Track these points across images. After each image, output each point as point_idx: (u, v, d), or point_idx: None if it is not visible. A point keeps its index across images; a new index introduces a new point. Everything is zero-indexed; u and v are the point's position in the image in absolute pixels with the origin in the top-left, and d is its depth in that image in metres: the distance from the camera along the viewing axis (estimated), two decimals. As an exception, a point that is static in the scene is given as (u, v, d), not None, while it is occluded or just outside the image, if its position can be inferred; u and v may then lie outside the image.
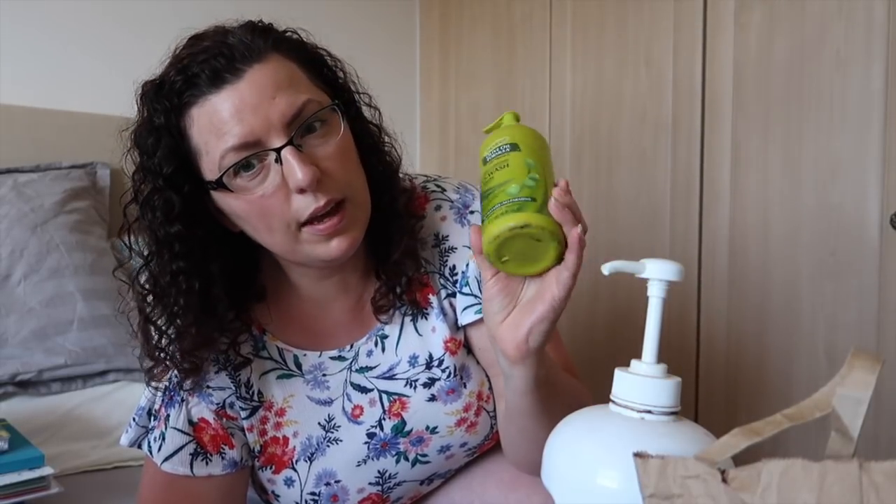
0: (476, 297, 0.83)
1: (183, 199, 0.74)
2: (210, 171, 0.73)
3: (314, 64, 0.78)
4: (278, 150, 0.70)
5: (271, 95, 0.71)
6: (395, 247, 0.82)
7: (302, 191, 0.71)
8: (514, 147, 0.66)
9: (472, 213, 0.86)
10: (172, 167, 0.73)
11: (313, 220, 0.72)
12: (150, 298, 0.77)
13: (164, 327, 0.77)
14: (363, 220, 0.77)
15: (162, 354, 0.78)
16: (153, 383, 0.82)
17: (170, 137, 0.73)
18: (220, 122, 0.70)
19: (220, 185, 0.72)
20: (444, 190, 0.89)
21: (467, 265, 0.84)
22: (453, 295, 0.86)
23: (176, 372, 0.80)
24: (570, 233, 0.62)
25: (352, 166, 0.76)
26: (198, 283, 0.75)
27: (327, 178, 0.72)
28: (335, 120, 0.75)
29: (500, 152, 0.66)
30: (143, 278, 0.78)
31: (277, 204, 0.72)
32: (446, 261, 0.85)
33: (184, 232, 0.74)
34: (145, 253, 0.77)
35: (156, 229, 0.74)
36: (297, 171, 0.69)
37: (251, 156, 0.71)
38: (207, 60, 0.71)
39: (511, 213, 0.62)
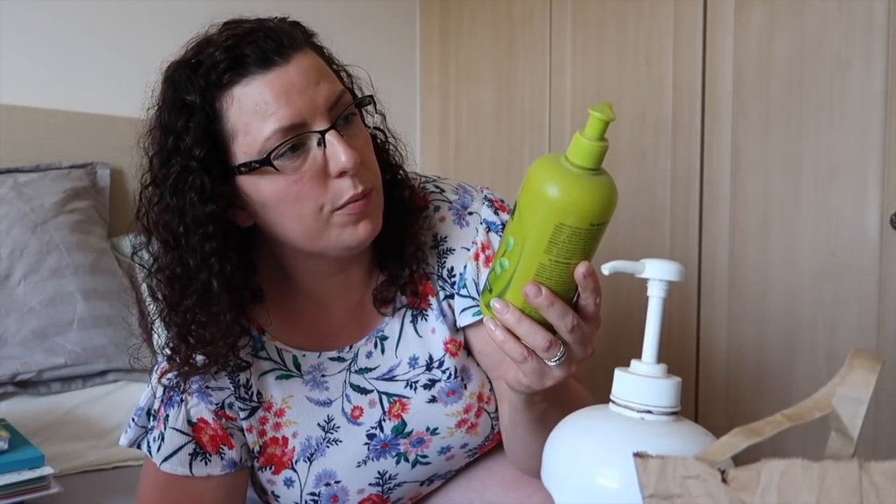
0: (474, 298, 0.83)
1: (212, 181, 0.73)
2: (246, 153, 0.73)
3: (331, 64, 0.80)
4: (322, 133, 0.72)
5: (316, 80, 0.73)
6: (410, 238, 0.83)
7: (342, 174, 0.72)
8: (514, 208, 0.60)
9: (470, 213, 0.86)
10: (205, 149, 0.72)
11: (347, 203, 0.74)
12: (173, 286, 0.75)
13: (190, 314, 0.75)
14: (382, 209, 0.78)
15: (181, 345, 0.76)
16: (163, 380, 0.81)
17: (203, 117, 0.72)
18: (265, 102, 0.71)
19: (263, 165, 0.72)
20: (442, 191, 0.89)
21: (465, 267, 0.84)
22: (451, 297, 0.85)
23: (177, 371, 0.79)
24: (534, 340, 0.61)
25: (374, 158, 0.79)
26: (229, 266, 0.75)
27: (361, 166, 0.74)
28: (357, 115, 0.78)
29: (513, 206, 0.60)
30: (158, 265, 0.76)
31: (314, 187, 0.73)
32: (444, 262, 0.85)
33: (217, 212, 0.74)
34: (155, 244, 0.76)
35: (186, 211, 0.73)
36: (341, 153, 0.71)
37: (294, 137, 0.71)
38: (256, 42, 0.71)
39: (485, 290, 0.64)
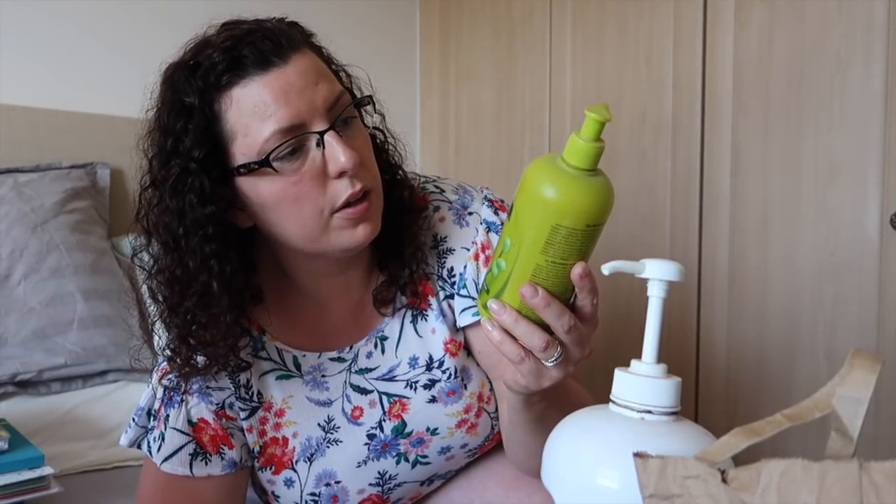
0: (474, 298, 0.83)
1: (211, 182, 0.73)
2: (245, 154, 0.73)
3: (330, 64, 0.80)
4: (321, 134, 0.72)
5: (314, 81, 0.73)
6: (409, 238, 0.83)
7: (341, 175, 0.72)
8: (511, 209, 0.59)
9: (470, 214, 0.86)
10: (205, 150, 0.72)
11: (346, 205, 0.73)
12: (173, 287, 0.75)
13: (190, 315, 0.75)
14: (381, 210, 0.78)
15: (182, 346, 0.76)
16: (163, 380, 0.81)
17: (202, 118, 0.72)
18: (264, 104, 0.71)
19: (262, 166, 0.72)
20: (442, 191, 0.89)
21: (465, 267, 0.84)
22: (451, 297, 0.85)
23: (178, 372, 0.79)
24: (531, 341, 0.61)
25: (374, 159, 0.79)
26: (229, 267, 0.75)
27: (360, 167, 0.74)
28: (356, 115, 0.78)
29: (510, 207, 0.60)
30: (158, 267, 0.76)
31: (313, 189, 0.73)
32: (444, 262, 0.85)
33: (217, 213, 0.74)
34: (155, 245, 0.76)
35: (185, 212, 0.73)
36: (340, 154, 0.71)
37: (293, 138, 0.71)
38: (254, 43, 0.71)
39: (483, 291, 0.64)
